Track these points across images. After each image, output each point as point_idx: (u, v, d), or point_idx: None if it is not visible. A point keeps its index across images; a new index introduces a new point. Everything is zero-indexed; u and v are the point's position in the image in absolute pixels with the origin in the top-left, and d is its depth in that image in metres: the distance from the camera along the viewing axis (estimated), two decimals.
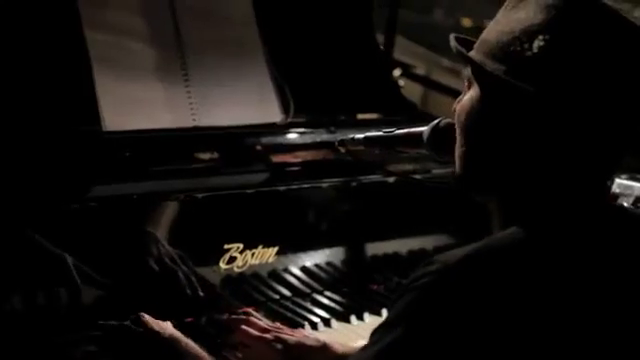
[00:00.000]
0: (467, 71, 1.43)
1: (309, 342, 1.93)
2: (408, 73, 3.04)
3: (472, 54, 1.40)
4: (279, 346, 1.89)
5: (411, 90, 3.24)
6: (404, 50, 3.56)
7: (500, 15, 1.40)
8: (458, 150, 1.45)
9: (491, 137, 1.38)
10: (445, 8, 4.35)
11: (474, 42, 1.46)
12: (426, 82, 3.45)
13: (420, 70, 3.65)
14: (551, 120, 1.32)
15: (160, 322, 1.86)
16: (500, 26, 1.38)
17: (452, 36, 1.46)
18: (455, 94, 3.40)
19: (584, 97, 1.30)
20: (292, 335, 1.94)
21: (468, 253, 1.29)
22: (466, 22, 4.22)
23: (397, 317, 1.29)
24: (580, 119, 1.31)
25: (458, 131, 1.45)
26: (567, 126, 1.32)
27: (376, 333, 1.32)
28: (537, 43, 1.31)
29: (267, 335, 1.92)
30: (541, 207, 1.36)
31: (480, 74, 1.38)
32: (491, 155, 1.39)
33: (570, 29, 1.31)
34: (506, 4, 1.41)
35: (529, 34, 1.32)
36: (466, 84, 1.44)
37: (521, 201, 1.38)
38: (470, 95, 1.41)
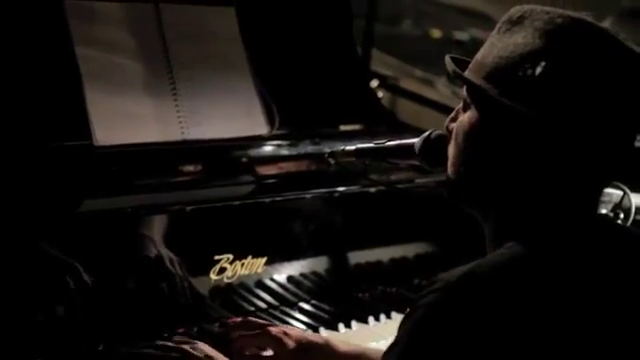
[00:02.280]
0: (464, 92, 1.47)
1: (311, 337, 1.97)
2: (385, 84, 3.09)
3: (471, 76, 1.43)
4: (285, 339, 1.91)
5: (385, 100, 3.29)
6: (376, 60, 3.61)
7: (495, 39, 1.43)
8: (455, 166, 1.49)
9: (490, 158, 1.42)
10: (414, 19, 4.41)
11: (467, 61, 1.50)
12: (400, 92, 3.50)
13: (392, 80, 3.69)
14: (551, 143, 1.36)
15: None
16: (497, 50, 1.40)
17: (448, 57, 1.50)
18: (428, 103, 3.47)
19: (583, 121, 1.35)
20: (293, 330, 1.99)
21: (469, 270, 1.33)
22: (435, 33, 4.29)
23: (405, 335, 1.34)
24: (579, 141, 1.36)
25: (456, 151, 1.49)
26: (566, 148, 1.36)
27: (388, 353, 1.36)
28: (538, 68, 1.34)
29: (272, 328, 1.95)
30: (537, 223, 1.41)
31: (482, 98, 1.41)
32: (488, 173, 1.43)
33: (571, 55, 1.35)
34: (499, 27, 1.44)
35: (528, 59, 1.35)
36: (462, 105, 1.47)
37: (517, 217, 1.43)
38: (469, 116, 1.45)
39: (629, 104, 1.37)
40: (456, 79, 1.47)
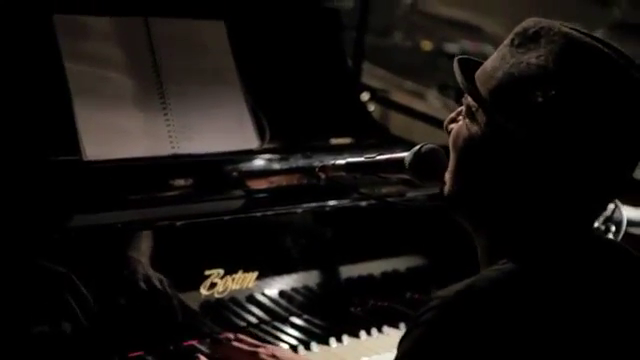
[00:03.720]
0: (468, 99, 1.45)
1: (300, 359, 1.99)
2: (375, 97, 3.08)
3: (478, 86, 1.42)
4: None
5: (376, 112, 3.29)
6: (367, 73, 3.60)
7: (508, 51, 1.41)
8: (452, 176, 1.49)
9: (487, 172, 1.41)
10: (405, 31, 4.41)
11: (474, 61, 1.48)
12: (391, 104, 3.50)
13: (383, 93, 3.69)
14: (550, 165, 1.36)
15: None
16: (508, 66, 1.39)
17: (456, 60, 1.47)
18: (419, 116, 3.46)
19: (587, 147, 1.34)
20: (282, 352, 1.98)
21: (467, 287, 1.33)
22: (425, 45, 4.29)
23: (405, 355, 1.33)
24: (580, 167, 1.36)
25: (454, 158, 1.48)
26: (564, 171, 1.36)
27: None
28: (544, 93, 1.34)
29: (261, 349, 1.95)
30: (534, 240, 1.41)
31: (486, 112, 1.40)
32: (485, 189, 1.43)
33: (582, 85, 1.34)
34: (512, 39, 1.41)
35: (538, 83, 1.34)
36: (465, 110, 1.46)
37: (511, 234, 1.42)
38: (469, 125, 1.44)
39: (632, 132, 1.37)
40: (468, 93, 1.45)
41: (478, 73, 1.45)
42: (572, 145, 1.34)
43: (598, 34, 1.40)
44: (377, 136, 2.67)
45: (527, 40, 1.39)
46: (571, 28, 1.38)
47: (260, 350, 1.98)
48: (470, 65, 1.48)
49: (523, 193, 1.39)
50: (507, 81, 1.38)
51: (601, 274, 1.41)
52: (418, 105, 3.59)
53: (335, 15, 2.74)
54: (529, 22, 1.42)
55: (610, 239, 1.57)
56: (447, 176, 1.50)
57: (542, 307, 1.33)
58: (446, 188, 1.50)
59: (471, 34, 4.24)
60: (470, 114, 1.44)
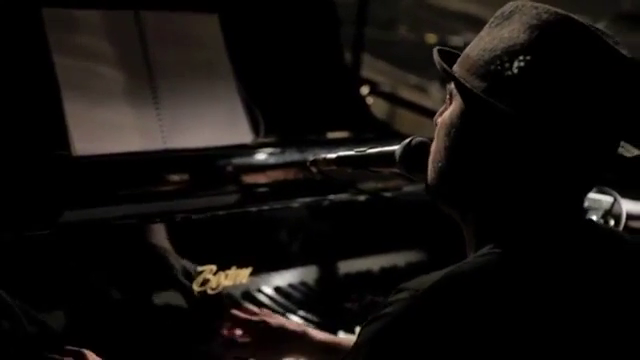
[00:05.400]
0: (450, 85, 1.44)
1: (291, 326, 2.03)
2: (376, 90, 3.06)
3: (455, 69, 1.41)
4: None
5: (378, 107, 3.26)
6: (369, 67, 3.58)
7: (484, 32, 1.41)
8: (434, 164, 1.46)
9: (469, 153, 1.38)
10: (409, 24, 4.39)
11: (457, 55, 1.46)
12: (392, 99, 3.47)
13: (386, 87, 3.66)
14: (529, 140, 1.33)
15: None
16: (483, 43, 1.38)
17: (436, 49, 1.47)
18: (422, 111, 3.44)
19: (562, 118, 1.31)
20: (275, 319, 2.03)
21: (440, 279, 1.29)
22: (431, 38, 4.26)
23: (366, 344, 1.29)
24: (558, 140, 1.32)
25: (436, 145, 1.45)
26: (544, 146, 1.33)
27: (346, 358, 1.32)
28: (517, 63, 1.32)
29: (254, 317, 2.01)
30: (517, 225, 1.38)
31: (462, 91, 1.38)
32: (468, 171, 1.40)
33: (550, 51, 1.32)
34: (491, 21, 1.42)
35: (510, 53, 1.33)
36: (448, 97, 1.44)
37: (496, 218, 1.39)
38: (450, 110, 1.42)
39: (612, 104, 1.34)
40: (442, 73, 1.43)
41: (459, 59, 1.43)
42: (552, 116, 1.31)
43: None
44: (375, 130, 2.64)
45: (503, 19, 1.39)
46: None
47: (253, 319, 2.04)
48: (453, 56, 1.46)
49: (506, 169, 1.36)
50: (481, 56, 1.36)
51: (587, 258, 1.37)
52: (421, 99, 3.56)
53: (331, 7, 2.71)
54: (508, 5, 1.41)
55: (605, 227, 1.53)
56: (429, 166, 1.47)
57: (517, 302, 1.29)
58: (428, 178, 1.47)
59: (476, 27, 4.21)
60: (451, 99, 1.42)
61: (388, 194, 2.43)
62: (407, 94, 3.81)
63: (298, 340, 2.02)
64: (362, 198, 2.44)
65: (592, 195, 2.19)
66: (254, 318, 2.02)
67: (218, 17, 2.34)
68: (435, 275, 1.30)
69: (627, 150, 1.42)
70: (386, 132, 2.68)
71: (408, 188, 2.42)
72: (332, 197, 2.41)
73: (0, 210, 1.87)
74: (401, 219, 2.52)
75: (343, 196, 2.42)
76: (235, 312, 2.10)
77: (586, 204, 2.21)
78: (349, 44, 3.00)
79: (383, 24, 4.18)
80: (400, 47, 4.24)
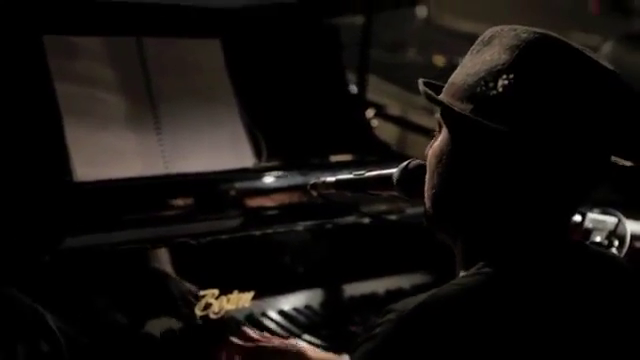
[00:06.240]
0: (437, 114, 1.44)
1: (285, 347, 1.95)
2: (382, 113, 3.05)
3: (441, 97, 1.42)
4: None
5: (386, 130, 3.25)
6: (377, 90, 3.57)
7: (466, 59, 1.42)
8: (428, 192, 1.46)
9: (460, 176, 1.39)
10: (417, 46, 4.38)
11: (442, 86, 1.48)
12: (400, 122, 3.47)
13: (394, 110, 3.66)
14: (517, 158, 1.33)
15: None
16: (466, 69, 1.39)
17: (421, 81, 1.48)
18: (430, 133, 3.42)
19: (551, 131, 1.31)
20: (270, 341, 1.96)
21: (425, 300, 1.28)
22: (438, 60, 4.25)
23: None
24: (548, 153, 1.32)
25: (429, 174, 1.46)
26: (534, 161, 1.33)
27: None
28: (501, 82, 1.32)
29: (247, 343, 1.94)
30: (505, 244, 1.37)
31: (448, 115, 1.39)
32: (460, 193, 1.40)
33: (533, 67, 1.33)
34: (472, 49, 1.43)
35: (494, 74, 1.34)
36: (437, 129, 1.45)
37: (485, 237, 1.39)
38: (440, 139, 1.42)
39: (597, 118, 1.34)
40: (428, 100, 1.44)
41: (445, 87, 1.44)
42: (541, 130, 1.31)
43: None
44: (380, 153, 2.64)
45: (483, 45, 1.40)
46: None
47: (247, 345, 1.97)
48: (439, 88, 1.47)
49: (496, 188, 1.36)
50: (465, 81, 1.38)
51: (575, 279, 1.37)
52: (429, 122, 3.55)
53: (334, 32, 2.72)
54: (488, 31, 1.42)
55: (593, 247, 1.52)
56: (425, 195, 1.47)
57: (504, 321, 1.28)
58: (425, 207, 1.47)
59: None
60: (440, 129, 1.43)
61: (392, 217, 2.42)
62: (415, 117, 3.80)
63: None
64: (365, 221, 2.44)
65: (596, 216, 2.18)
66: (247, 344, 1.99)
67: (220, 42, 2.36)
68: (421, 296, 1.29)
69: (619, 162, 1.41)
70: (390, 155, 2.67)
71: (411, 210, 2.41)
72: (335, 220, 2.41)
73: (3, 236, 1.88)
74: (405, 241, 2.51)
75: (346, 219, 2.42)
76: (231, 339, 2.07)
77: (590, 225, 2.19)
78: (355, 66, 3.00)
79: (391, 46, 4.18)
80: (409, 69, 4.24)
